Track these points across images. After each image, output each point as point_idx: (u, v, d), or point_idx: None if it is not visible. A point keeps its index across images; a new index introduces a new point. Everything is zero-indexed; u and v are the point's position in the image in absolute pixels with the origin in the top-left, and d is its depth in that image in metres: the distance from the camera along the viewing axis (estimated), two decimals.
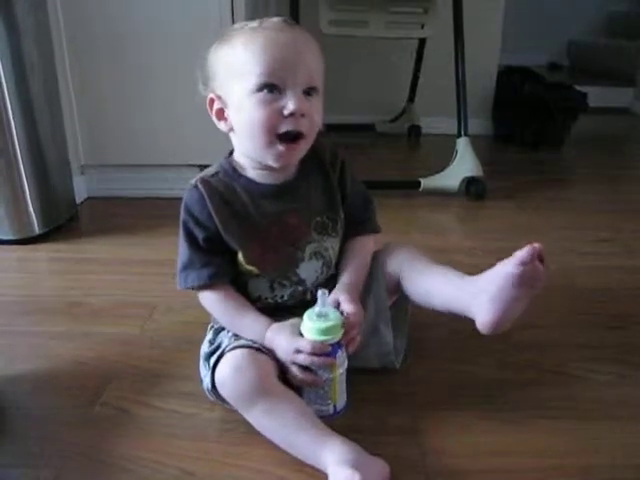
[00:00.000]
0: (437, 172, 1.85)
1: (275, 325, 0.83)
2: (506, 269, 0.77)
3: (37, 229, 1.50)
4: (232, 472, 0.77)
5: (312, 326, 0.79)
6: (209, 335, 0.91)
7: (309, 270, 0.89)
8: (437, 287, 0.87)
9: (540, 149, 2.41)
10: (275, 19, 0.83)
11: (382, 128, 2.62)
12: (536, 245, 0.76)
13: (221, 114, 0.85)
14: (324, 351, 0.79)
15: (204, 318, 0.97)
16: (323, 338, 0.79)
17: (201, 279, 0.85)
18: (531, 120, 2.43)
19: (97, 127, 1.74)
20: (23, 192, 1.47)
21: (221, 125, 0.86)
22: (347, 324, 0.81)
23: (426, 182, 1.82)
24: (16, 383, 0.95)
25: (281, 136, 0.79)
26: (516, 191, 1.91)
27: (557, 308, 1.18)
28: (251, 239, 0.85)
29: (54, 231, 1.53)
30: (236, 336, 0.85)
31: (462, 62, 1.90)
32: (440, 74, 2.27)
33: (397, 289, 0.93)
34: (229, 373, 0.79)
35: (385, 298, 0.93)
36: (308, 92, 0.79)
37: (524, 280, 0.76)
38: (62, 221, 1.58)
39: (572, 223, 1.65)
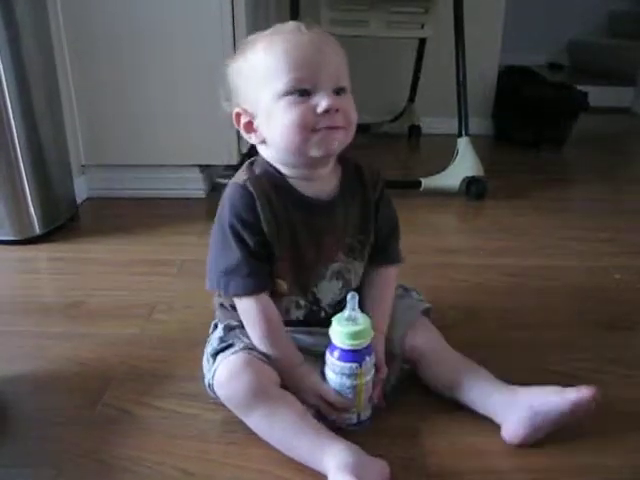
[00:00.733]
0: (438, 172, 1.85)
1: (307, 366, 0.83)
2: (561, 400, 0.77)
3: (37, 229, 1.50)
4: (233, 472, 0.77)
5: (341, 330, 0.77)
6: (219, 332, 0.88)
7: (327, 290, 0.87)
8: (463, 384, 0.85)
9: (541, 149, 2.41)
10: (290, 22, 0.80)
11: (381, 128, 2.61)
12: (593, 391, 0.76)
13: (250, 127, 0.82)
14: (345, 406, 0.80)
15: (204, 318, 0.97)
16: (352, 342, 0.77)
17: (247, 288, 0.81)
18: (532, 120, 2.43)
19: (97, 127, 1.74)
20: (23, 192, 1.46)
21: (252, 138, 0.83)
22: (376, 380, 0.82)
23: (427, 182, 1.82)
24: (16, 383, 0.95)
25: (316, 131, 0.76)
26: (517, 191, 1.91)
27: (557, 308, 1.18)
28: (288, 250, 0.83)
29: (54, 231, 1.53)
30: (249, 343, 0.84)
31: (463, 62, 1.90)
32: (441, 74, 2.27)
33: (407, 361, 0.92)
34: (227, 378, 0.79)
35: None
36: (337, 92, 0.77)
37: (572, 414, 0.77)
38: (62, 221, 1.58)
39: (573, 223, 1.65)
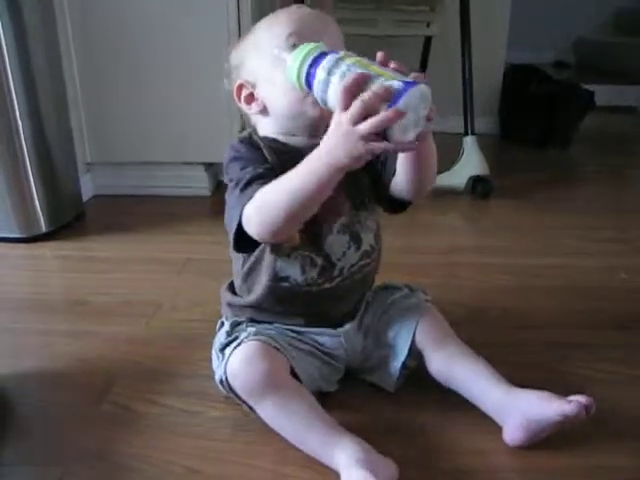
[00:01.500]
0: (443, 171, 1.84)
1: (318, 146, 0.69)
2: (548, 411, 0.76)
3: (44, 227, 1.51)
4: (238, 470, 0.77)
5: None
6: (226, 327, 0.88)
7: (335, 245, 0.84)
8: (465, 379, 0.85)
9: (547, 148, 2.40)
10: (295, 5, 0.85)
11: None
12: (584, 402, 0.75)
13: (251, 98, 0.83)
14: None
15: (209, 316, 0.97)
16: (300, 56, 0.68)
17: (260, 175, 0.75)
18: (538, 119, 2.41)
19: (103, 125, 1.74)
20: (30, 190, 1.47)
21: (252, 108, 0.83)
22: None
23: None
24: (22, 381, 0.95)
25: None
26: (523, 190, 1.90)
27: (563, 308, 1.18)
28: None
29: (60, 229, 1.53)
30: (255, 332, 0.84)
31: (469, 60, 1.89)
32: (446, 72, 2.26)
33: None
34: (241, 365, 0.79)
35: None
36: None
37: (562, 424, 0.77)
38: (68, 219, 1.58)
39: (579, 222, 1.64)
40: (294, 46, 0.74)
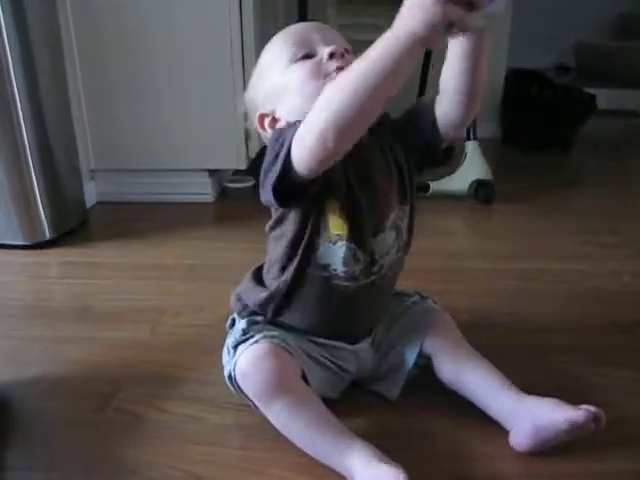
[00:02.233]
0: (445, 176, 1.85)
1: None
2: (557, 418, 0.76)
3: (48, 234, 1.51)
4: (243, 477, 0.77)
5: None
6: (242, 324, 0.86)
7: (383, 242, 0.83)
8: (475, 384, 0.85)
9: (548, 152, 2.41)
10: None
11: None
12: (593, 410, 0.75)
13: (274, 122, 0.82)
14: None
15: (214, 321, 0.98)
16: None
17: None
18: (539, 123, 2.42)
19: (107, 132, 1.75)
20: (34, 197, 1.48)
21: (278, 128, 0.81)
22: None
23: (435, 185, 1.82)
24: (27, 387, 0.96)
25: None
26: (525, 194, 1.90)
27: (567, 312, 1.18)
28: (343, 191, 0.78)
29: (64, 236, 1.54)
30: (271, 335, 0.82)
31: None
32: None
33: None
34: (251, 365, 0.78)
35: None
36: (342, 55, 0.78)
37: (571, 433, 0.76)
38: (72, 226, 1.59)
39: (581, 226, 1.64)
40: (298, 57, 0.77)
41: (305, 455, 0.77)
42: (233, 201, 1.85)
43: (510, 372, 0.86)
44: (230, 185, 1.88)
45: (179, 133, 1.74)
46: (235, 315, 0.92)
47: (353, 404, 0.89)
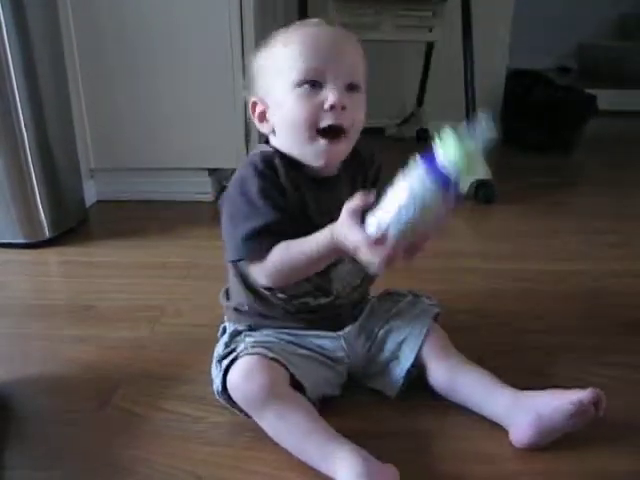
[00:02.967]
0: None
1: (333, 226, 0.73)
2: (561, 402, 0.77)
3: (47, 233, 1.51)
4: (241, 476, 0.77)
5: (458, 148, 0.64)
6: (225, 338, 0.89)
7: (340, 274, 0.86)
8: (469, 387, 0.85)
9: (549, 153, 2.40)
10: (314, 19, 0.82)
11: (390, 131, 2.62)
12: (597, 391, 0.76)
13: (263, 117, 0.83)
14: (392, 244, 0.67)
15: (213, 320, 0.97)
16: (457, 164, 0.64)
17: (276, 237, 0.77)
18: (540, 124, 2.41)
19: (106, 131, 1.75)
20: (33, 196, 1.47)
21: (263, 128, 0.84)
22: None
23: None
24: (27, 386, 0.96)
25: (322, 131, 0.77)
26: (525, 195, 1.90)
27: (567, 313, 1.17)
28: (304, 226, 0.79)
29: (64, 235, 1.54)
30: (253, 343, 0.84)
31: (471, 65, 1.89)
32: (449, 77, 2.27)
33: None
34: (241, 378, 0.79)
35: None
36: (350, 88, 0.78)
37: (575, 417, 0.76)
38: (72, 225, 1.58)
39: (582, 227, 1.64)
40: (304, 80, 0.76)
41: None
42: None
43: (509, 373, 0.86)
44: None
45: (179, 132, 1.74)
46: (225, 322, 0.94)
47: (351, 403, 0.89)
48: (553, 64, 4.13)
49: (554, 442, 0.79)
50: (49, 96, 1.48)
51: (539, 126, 2.42)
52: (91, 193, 1.77)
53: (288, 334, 0.87)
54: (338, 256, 0.76)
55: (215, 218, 1.70)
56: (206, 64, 1.67)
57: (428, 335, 0.90)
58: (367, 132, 0.83)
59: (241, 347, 0.84)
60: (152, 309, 1.18)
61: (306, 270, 0.79)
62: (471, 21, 1.89)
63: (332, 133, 0.78)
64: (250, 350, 0.82)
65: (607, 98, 2.62)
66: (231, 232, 0.81)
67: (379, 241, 0.67)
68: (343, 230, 0.70)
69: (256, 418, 0.80)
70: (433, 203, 0.65)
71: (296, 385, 0.81)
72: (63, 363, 1.01)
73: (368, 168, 0.90)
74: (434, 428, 0.85)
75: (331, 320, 0.89)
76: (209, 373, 0.88)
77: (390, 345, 0.91)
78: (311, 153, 0.79)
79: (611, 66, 3.84)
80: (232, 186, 0.82)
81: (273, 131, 0.83)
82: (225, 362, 0.83)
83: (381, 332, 0.92)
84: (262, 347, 0.82)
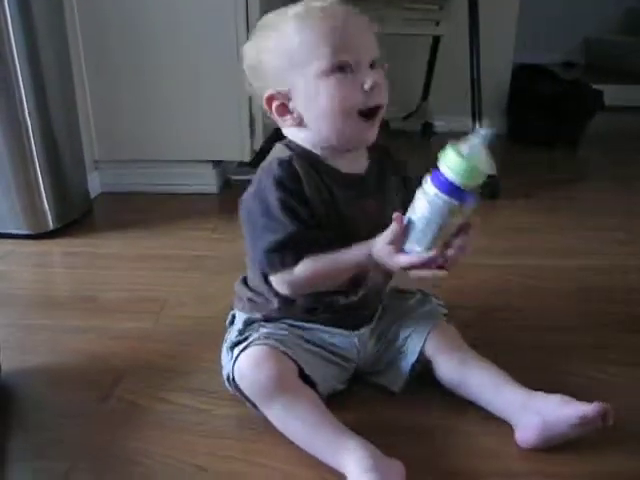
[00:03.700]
0: None
1: (374, 243, 0.74)
2: (567, 413, 0.76)
3: (51, 224, 1.51)
4: (246, 469, 0.77)
5: (462, 165, 0.67)
6: (238, 325, 0.88)
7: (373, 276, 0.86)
8: (478, 382, 0.85)
9: (555, 148, 2.39)
10: (315, 2, 0.78)
11: (395, 125, 2.61)
12: (604, 405, 0.75)
13: (284, 110, 0.79)
14: (434, 256, 0.71)
15: (217, 312, 0.97)
16: (470, 183, 0.68)
17: (301, 249, 0.76)
18: (546, 119, 2.40)
19: (111, 123, 1.75)
20: (38, 187, 1.47)
21: (287, 121, 0.80)
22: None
23: None
24: (30, 377, 0.96)
25: (362, 112, 0.76)
26: (531, 190, 1.89)
27: (572, 309, 1.17)
28: (336, 226, 0.80)
29: (68, 226, 1.54)
30: (266, 334, 0.83)
31: (477, 60, 1.88)
32: (454, 72, 2.26)
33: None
34: (250, 367, 0.79)
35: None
36: (372, 66, 0.77)
37: (579, 428, 0.76)
38: (76, 216, 1.58)
39: (587, 223, 1.63)
40: (336, 65, 0.74)
41: None
42: (237, 193, 1.84)
43: (512, 369, 0.86)
44: (234, 177, 1.88)
45: (183, 124, 1.73)
46: (235, 311, 0.92)
47: (356, 399, 0.88)
48: (559, 59, 4.11)
49: (564, 441, 0.78)
50: (53, 87, 1.48)
51: (545, 121, 2.41)
52: (95, 185, 1.77)
53: (302, 329, 0.87)
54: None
55: (220, 210, 1.72)
56: (211, 56, 1.66)
57: (434, 330, 0.89)
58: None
59: (254, 336, 0.83)
60: (155, 301, 1.18)
61: (335, 283, 0.81)
62: (478, 15, 1.88)
63: (371, 114, 0.77)
64: (263, 340, 0.81)
65: (612, 93, 2.60)
66: (253, 242, 0.80)
67: (417, 262, 0.71)
68: (383, 258, 0.73)
69: (263, 409, 0.80)
70: (453, 216, 0.69)
71: (305, 379, 0.81)
72: (66, 354, 1.01)
73: (397, 164, 0.90)
74: (440, 424, 0.85)
75: (352, 318, 0.89)
76: (213, 365, 0.88)
77: (397, 343, 0.90)
78: (356, 136, 0.79)
79: (616, 61, 3.82)
80: (251, 196, 0.80)
81: (301, 122, 0.79)
82: (237, 350, 0.82)
83: (391, 332, 0.91)
84: (274, 340, 0.82)
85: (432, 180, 0.69)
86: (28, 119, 1.41)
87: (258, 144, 1.77)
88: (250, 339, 0.83)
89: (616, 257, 1.41)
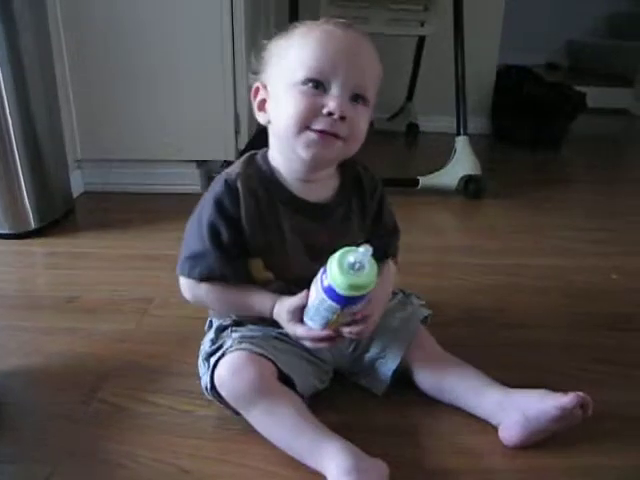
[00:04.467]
0: (435, 170, 1.85)
1: (279, 303, 0.80)
2: (546, 406, 0.77)
3: (33, 223, 1.49)
4: (228, 470, 0.76)
5: (341, 277, 0.68)
6: (210, 334, 0.89)
7: (298, 267, 0.84)
8: (457, 386, 0.85)
9: (538, 149, 2.41)
10: (339, 20, 0.78)
11: (380, 126, 2.61)
12: (582, 395, 0.76)
13: (262, 105, 0.80)
14: (326, 335, 0.76)
15: (201, 313, 0.96)
16: (352, 294, 0.70)
17: (212, 271, 0.80)
18: (529, 120, 2.43)
19: (94, 122, 1.73)
20: (19, 186, 1.45)
21: (260, 117, 0.81)
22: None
23: (424, 180, 1.82)
24: (11, 378, 0.94)
25: (312, 129, 0.74)
26: (514, 190, 1.91)
27: (555, 309, 1.18)
28: (277, 251, 0.81)
29: (50, 226, 1.52)
30: (239, 338, 0.83)
31: (462, 60, 1.90)
32: (439, 72, 2.27)
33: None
34: (228, 374, 0.79)
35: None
36: (355, 99, 0.75)
37: (561, 420, 0.76)
38: (58, 216, 1.57)
39: (569, 223, 1.65)
40: (309, 79, 0.73)
41: None
42: None
43: (497, 368, 0.86)
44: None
45: (167, 124, 1.72)
46: (211, 316, 0.93)
47: (339, 398, 0.88)
48: (543, 61, 4.15)
49: (548, 438, 0.79)
50: (35, 86, 1.46)
51: (528, 122, 2.43)
52: (78, 184, 1.76)
53: (273, 329, 0.86)
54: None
55: None
56: (196, 56, 1.66)
57: (414, 339, 0.89)
58: None
59: (228, 343, 0.83)
60: (139, 301, 1.17)
61: (238, 313, 0.87)
62: (462, 16, 1.89)
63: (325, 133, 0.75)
64: (237, 346, 0.81)
65: (596, 95, 2.63)
66: (184, 242, 0.85)
67: (311, 336, 0.77)
68: (282, 322, 0.80)
69: (245, 414, 0.79)
70: (340, 316, 0.74)
71: (284, 380, 0.81)
72: (47, 355, 1.00)
73: (368, 197, 0.87)
74: (423, 423, 0.85)
75: None
76: (197, 366, 0.88)
77: (376, 346, 0.90)
78: (300, 144, 0.75)
79: (600, 63, 3.86)
80: (202, 200, 0.83)
81: (269, 122, 0.80)
82: (212, 359, 0.82)
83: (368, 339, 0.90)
84: (249, 342, 0.82)
85: (321, 277, 0.72)
86: (9, 118, 1.39)
87: (243, 143, 1.76)
88: (224, 347, 0.82)
89: (597, 257, 1.42)
